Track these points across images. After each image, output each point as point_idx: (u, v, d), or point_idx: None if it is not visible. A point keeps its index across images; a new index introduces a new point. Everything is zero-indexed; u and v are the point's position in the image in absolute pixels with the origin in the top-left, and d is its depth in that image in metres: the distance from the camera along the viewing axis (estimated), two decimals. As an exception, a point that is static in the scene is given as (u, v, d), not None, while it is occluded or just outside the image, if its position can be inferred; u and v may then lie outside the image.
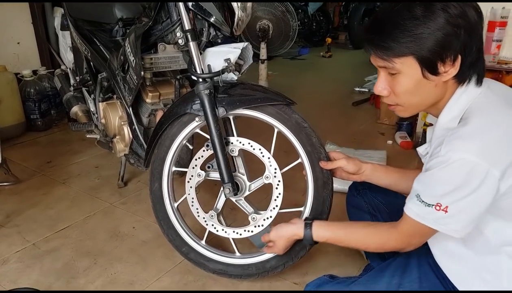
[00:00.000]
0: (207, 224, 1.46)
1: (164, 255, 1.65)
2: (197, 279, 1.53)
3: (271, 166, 1.36)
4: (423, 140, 2.46)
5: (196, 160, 1.43)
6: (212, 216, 1.46)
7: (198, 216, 1.46)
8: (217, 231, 1.46)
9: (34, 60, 3.26)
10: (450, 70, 0.91)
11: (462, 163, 0.86)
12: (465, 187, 0.87)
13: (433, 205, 0.92)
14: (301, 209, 1.42)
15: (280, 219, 1.36)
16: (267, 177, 1.38)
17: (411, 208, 0.98)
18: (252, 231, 1.42)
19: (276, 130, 1.37)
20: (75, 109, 2.23)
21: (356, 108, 3.55)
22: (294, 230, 1.24)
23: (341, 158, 1.33)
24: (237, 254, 1.49)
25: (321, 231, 1.20)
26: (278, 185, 1.37)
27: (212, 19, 1.37)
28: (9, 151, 2.63)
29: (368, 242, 1.13)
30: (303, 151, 1.35)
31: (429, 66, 0.91)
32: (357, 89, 3.98)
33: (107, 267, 1.60)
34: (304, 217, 1.38)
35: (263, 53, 4.04)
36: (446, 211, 0.91)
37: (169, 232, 1.53)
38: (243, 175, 1.46)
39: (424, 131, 2.13)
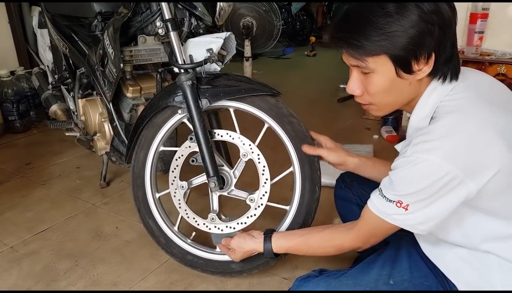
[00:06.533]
0: (174, 196, 1.41)
1: (149, 255, 1.60)
2: (183, 277, 1.48)
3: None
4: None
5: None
6: (184, 191, 1.41)
7: (172, 184, 1.41)
8: (180, 207, 1.42)
9: (11, 61, 3.16)
10: (424, 68, 0.88)
11: (427, 164, 0.84)
12: (428, 189, 0.85)
13: (394, 201, 0.91)
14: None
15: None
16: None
17: (372, 200, 0.97)
18: (209, 229, 1.40)
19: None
20: (54, 108, 2.17)
21: (341, 104, 3.55)
22: (254, 246, 1.25)
23: (328, 146, 1.31)
24: (189, 240, 1.47)
25: (280, 242, 1.20)
26: (258, 208, 1.35)
27: (193, 9, 1.33)
28: (-15, 154, 2.55)
29: (325, 245, 1.12)
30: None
31: (403, 64, 0.88)
32: (342, 86, 3.97)
33: (89, 268, 1.54)
34: (264, 230, 1.33)
35: (247, 51, 4.01)
36: (406, 209, 0.89)
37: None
38: (223, 166, 1.39)
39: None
